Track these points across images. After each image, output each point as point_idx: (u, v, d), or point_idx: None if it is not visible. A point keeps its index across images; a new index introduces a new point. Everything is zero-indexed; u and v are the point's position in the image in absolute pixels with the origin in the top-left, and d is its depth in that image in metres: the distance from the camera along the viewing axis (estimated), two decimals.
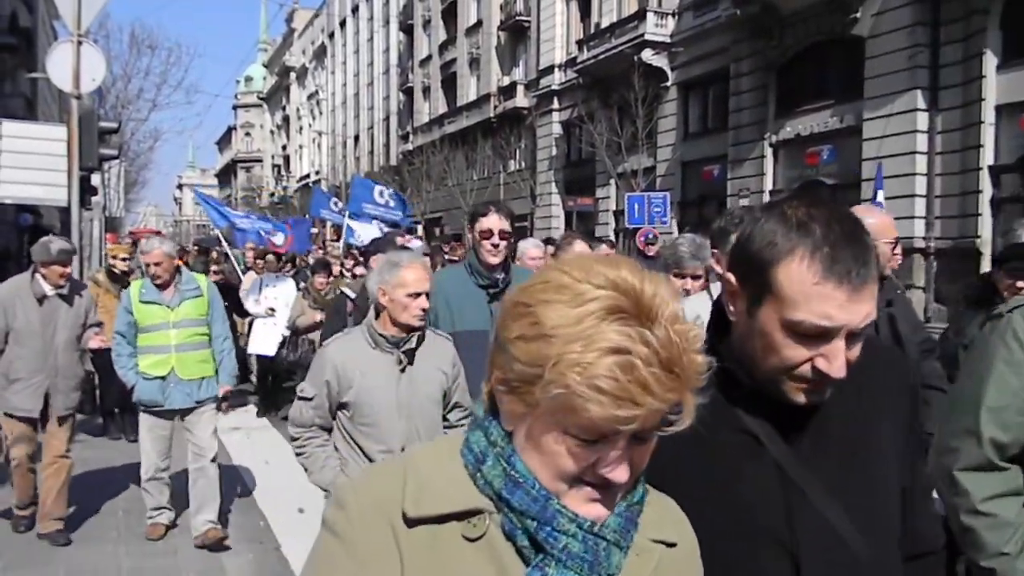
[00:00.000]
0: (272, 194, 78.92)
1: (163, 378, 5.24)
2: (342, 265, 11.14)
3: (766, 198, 21.24)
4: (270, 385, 10.10)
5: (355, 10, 59.34)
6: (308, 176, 69.55)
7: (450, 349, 3.42)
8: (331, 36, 66.31)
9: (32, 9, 42.71)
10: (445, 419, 3.44)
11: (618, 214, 26.28)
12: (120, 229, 35.99)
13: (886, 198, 17.42)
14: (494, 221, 3.88)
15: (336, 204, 17.47)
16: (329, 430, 3.30)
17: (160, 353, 5.27)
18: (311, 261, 14.41)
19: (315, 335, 8.20)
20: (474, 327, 3.69)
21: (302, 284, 10.03)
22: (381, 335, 3.20)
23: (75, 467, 5.81)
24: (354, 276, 9.21)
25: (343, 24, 62.66)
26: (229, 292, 9.18)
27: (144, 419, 5.39)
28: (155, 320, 5.28)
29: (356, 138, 59.18)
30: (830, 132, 19.58)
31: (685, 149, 24.74)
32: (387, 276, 3.18)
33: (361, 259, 10.81)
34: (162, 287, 5.33)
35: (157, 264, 5.27)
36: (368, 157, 55.85)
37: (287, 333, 9.19)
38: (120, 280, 8.51)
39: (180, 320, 5.31)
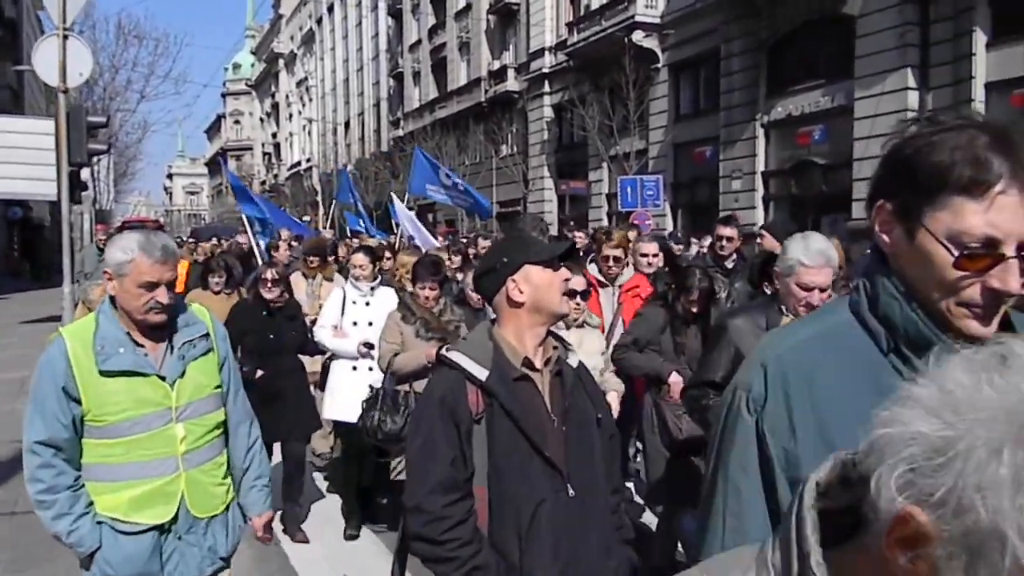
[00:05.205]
0: (263, 182, 78.67)
1: (163, 529, 2.63)
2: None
3: (759, 179, 21.28)
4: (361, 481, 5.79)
5: None
6: (299, 164, 69.30)
7: None
8: (319, 22, 65.91)
9: (16, 0, 42.39)
10: None
11: (611, 197, 26.23)
12: (110, 220, 35.92)
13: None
14: None
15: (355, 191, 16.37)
16: None
17: (155, 476, 2.59)
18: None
19: (421, 383, 4.40)
20: None
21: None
22: None
23: None
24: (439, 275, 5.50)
25: (331, 9, 62.28)
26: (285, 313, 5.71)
27: None
28: (139, 408, 2.55)
29: (346, 124, 58.93)
30: (821, 112, 19.54)
31: (677, 131, 24.67)
32: None
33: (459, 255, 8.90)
34: (153, 332, 2.62)
35: (159, 283, 2.55)
36: (359, 144, 55.65)
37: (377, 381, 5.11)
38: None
39: (186, 404, 2.64)
